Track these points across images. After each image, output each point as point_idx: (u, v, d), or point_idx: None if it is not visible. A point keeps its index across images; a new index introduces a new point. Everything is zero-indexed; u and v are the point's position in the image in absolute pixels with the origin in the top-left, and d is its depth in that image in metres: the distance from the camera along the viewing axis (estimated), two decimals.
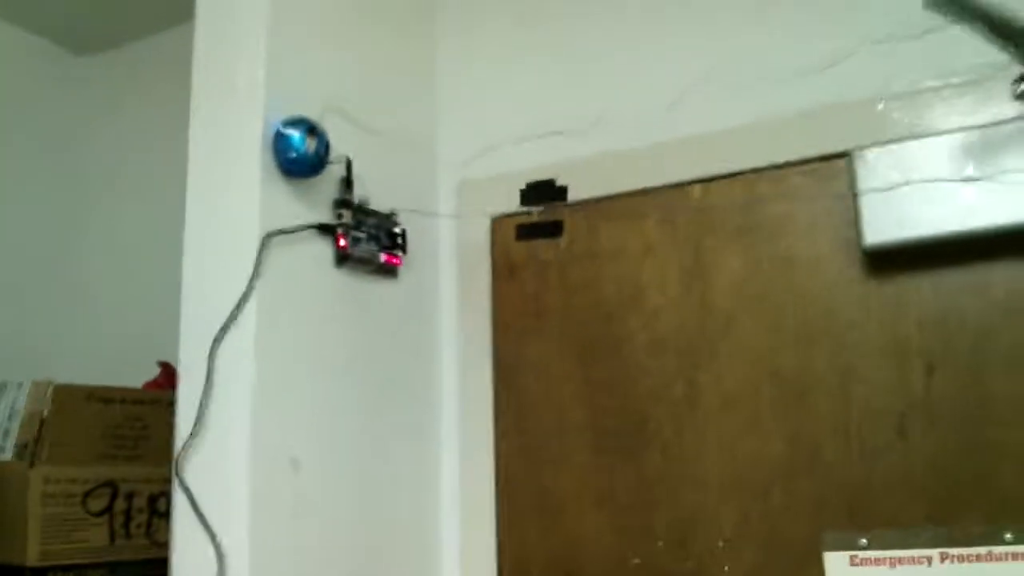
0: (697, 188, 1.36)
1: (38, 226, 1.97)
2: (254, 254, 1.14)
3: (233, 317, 1.13)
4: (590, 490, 1.35)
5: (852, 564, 1.14)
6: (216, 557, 1.07)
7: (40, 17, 2.00)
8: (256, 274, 1.13)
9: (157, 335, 1.51)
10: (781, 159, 1.30)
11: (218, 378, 1.13)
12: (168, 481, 1.44)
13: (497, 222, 1.50)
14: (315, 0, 1.33)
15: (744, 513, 1.24)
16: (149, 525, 1.53)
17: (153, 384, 1.60)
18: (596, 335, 1.40)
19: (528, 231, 1.48)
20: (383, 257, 1.37)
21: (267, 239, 1.15)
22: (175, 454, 1.13)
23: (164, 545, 1.41)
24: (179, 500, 1.12)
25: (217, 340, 1.13)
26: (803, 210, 1.29)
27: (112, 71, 2.11)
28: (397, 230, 1.40)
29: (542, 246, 1.47)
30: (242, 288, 1.13)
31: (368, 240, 1.34)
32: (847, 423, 1.20)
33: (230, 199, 1.18)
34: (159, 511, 1.55)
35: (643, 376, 1.35)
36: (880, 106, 1.24)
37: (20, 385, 1.53)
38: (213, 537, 1.08)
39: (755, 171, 1.32)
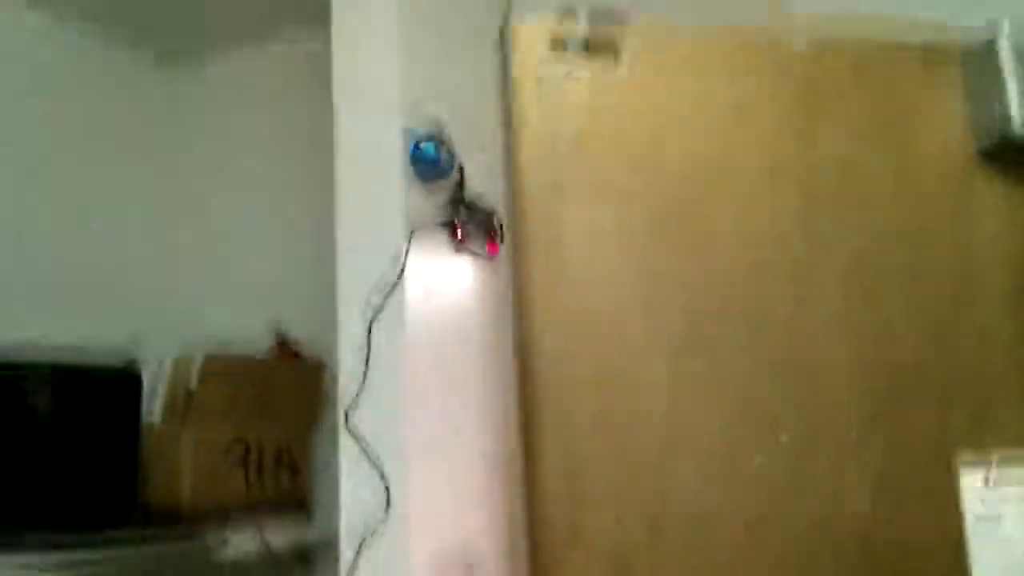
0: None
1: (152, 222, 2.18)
2: (403, 244, 1.40)
3: (391, 294, 1.39)
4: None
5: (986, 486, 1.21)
6: (384, 490, 1.34)
7: (132, 25, 2.20)
8: (406, 261, 1.39)
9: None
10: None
11: (374, 345, 1.39)
12: (296, 439, 1.72)
13: None
14: (436, 22, 1.58)
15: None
16: (276, 474, 1.80)
17: (273, 351, 1.86)
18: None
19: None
20: (486, 247, 1.63)
21: (414, 233, 1.41)
22: (343, 409, 1.39)
23: (288, 488, 1.69)
24: (347, 444, 1.38)
25: (377, 316, 1.39)
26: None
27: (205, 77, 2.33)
28: (496, 223, 1.66)
29: None
30: (393, 272, 1.39)
31: (477, 230, 1.61)
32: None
33: (379, 199, 1.44)
34: (282, 461, 1.81)
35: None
36: None
37: (160, 362, 1.79)
38: (381, 475, 1.34)
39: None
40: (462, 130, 1.61)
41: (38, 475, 1.52)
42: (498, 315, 1.65)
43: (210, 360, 1.69)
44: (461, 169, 1.57)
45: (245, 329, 1.88)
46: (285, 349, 1.82)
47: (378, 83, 1.49)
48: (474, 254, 1.60)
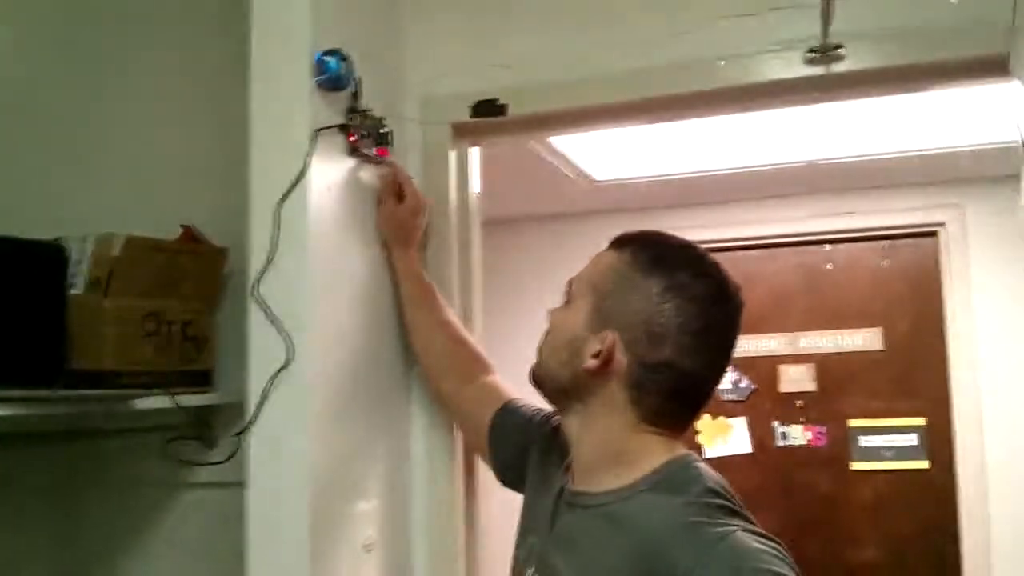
0: None
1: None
2: (307, 143, 1.66)
3: (295, 185, 1.65)
4: None
5: None
6: (285, 348, 1.62)
7: None
8: (310, 154, 1.66)
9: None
10: None
11: (284, 229, 1.65)
12: (199, 314, 1.98)
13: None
14: None
15: None
16: (183, 347, 2.04)
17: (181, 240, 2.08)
18: None
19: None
20: (375, 150, 1.90)
21: (318, 132, 1.68)
22: (252, 282, 1.66)
23: (192, 360, 1.96)
24: (255, 312, 1.65)
25: (282, 202, 1.66)
26: None
27: None
28: (384, 131, 1.93)
29: None
30: (299, 166, 1.65)
31: (366, 136, 1.87)
32: None
33: (288, 106, 1.69)
34: (188, 335, 2.05)
35: None
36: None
37: (84, 239, 1.97)
38: (285, 335, 1.62)
39: None
40: (363, 50, 1.87)
41: None
42: None
43: (131, 239, 1.90)
44: (358, 82, 1.83)
45: (160, 232, 2.08)
46: (188, 235, 2.04)
47: (291, 13, 1.73)
48: (366, 156, 1.87)
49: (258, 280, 1.66)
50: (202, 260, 2.08)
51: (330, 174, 1.76)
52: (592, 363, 1.36)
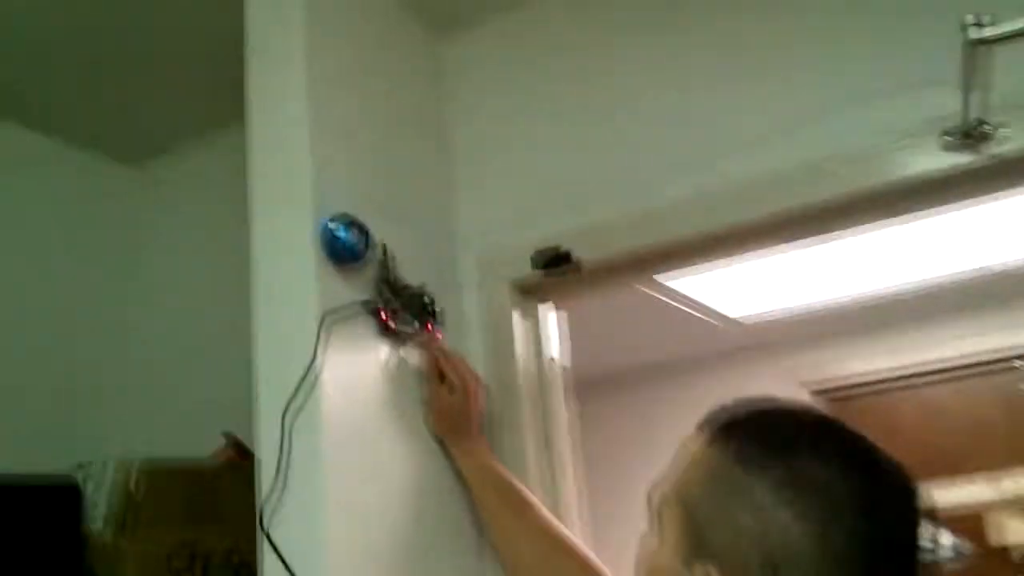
0: None
1: (95, 324, 2.16)
2: (315, 330, 1.34)
3: (300, 387, 1.32)
4: None
5: None
6: None
7: (87, 129, 2.20)
8: (318, 348, 1.33)
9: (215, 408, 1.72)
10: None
11: (293, 441, 1.32)
12: (245, 540, 1.63)
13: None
14: (347, 112, 1.55)
15: None
16: None
17: (222, 453, 1.79)
18: None
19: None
20: (417, 326, 1.57)
21: (325, 317, 1.35)
22: (259, 512, 1.32)
23: None
24: (266, 551, 1.30)
25: (289, 407, 1.33)
26: None
27: (160, 176, 2.33)
28: (427, 300, 1.60)
29: None
30: (307, 361, 1.33)
31: (405, 311, 1.55)
32: None
33: (291, 286, 1.39)
34: (232, 563, 1.73)
35: None
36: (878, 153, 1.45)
37: (104, 463, 1.73)
38: None
39: None
40: (395, 209, 1.57)
41: None
42: None
43: (148, 464, 1.62)
44: (385, 249, 1.53)
45: (192, 436, 1.82)
46: (234, 451, 1.76)
47: (291, 175, 1.45)
48: (405, 336, 1.54)
49: (263, 510, 1.32)
50: (245, 477, 1.77)
51: (355, 364, 1.42)
52: None
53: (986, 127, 1.33)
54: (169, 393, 1.95)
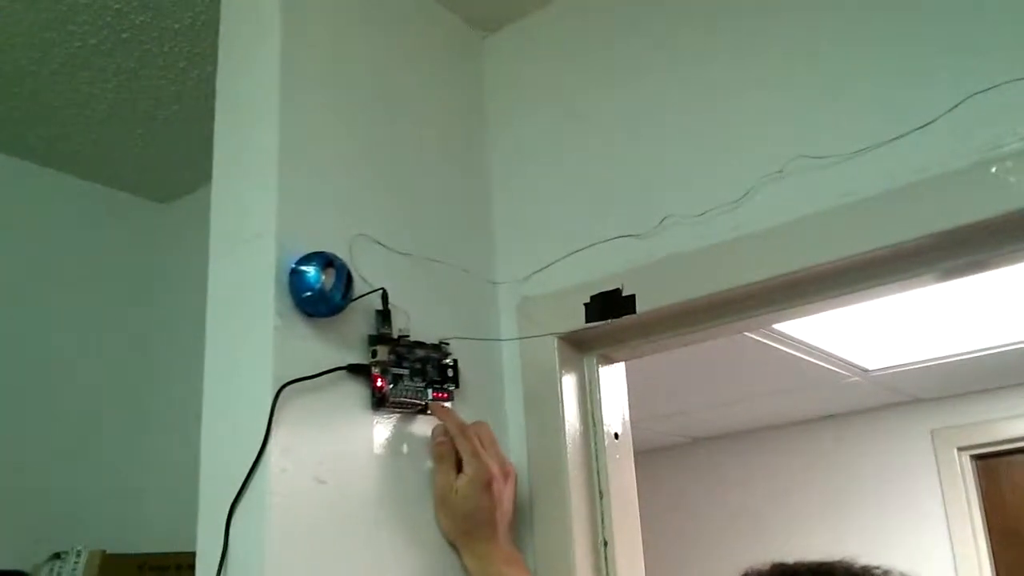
0: None
1: (116, 383, 1.93)
2: (266, 408, 1.01)
3: (247, 482, 1.00)
4: None
5: None
6: None
7: (119, 171, 2.00)
8: (270, 431, 1.01)
9: None
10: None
11: (234, 553, 0.99)
12: None
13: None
14: (328, 135, 1.23)
15: None
16: None
17: None
18: None
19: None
20: (431, 394, 1.23)
21: (282, 390, 1.03)
22: None
23: None
24: None
25: (233, 509, 1.00)
26: None
27: (192, 215, 2.10)
28: (447, 362, 1.26)
29: None
30: (253, 450, 1.00)
31: (412, 376, 1.21)
32: None
33: (245, 349, 1.07)
34: None
35: None
36: (993, 169, 1.04)
37: (79, 553, 1.47)
38: None
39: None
40: (398, 248, 1.25)
41: None
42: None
43: (118, 556, 1.35)
44: (384, 296, 1.19)
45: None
46: None
47: (253, 208, 1.14)
48: (408, 407, 1.20)
49: None
50: None
51: (330, 448, 1.08)
52: None
53: None
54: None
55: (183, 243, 2.01)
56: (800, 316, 1.29)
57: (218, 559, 0.99)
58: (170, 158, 1.95)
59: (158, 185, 2.07)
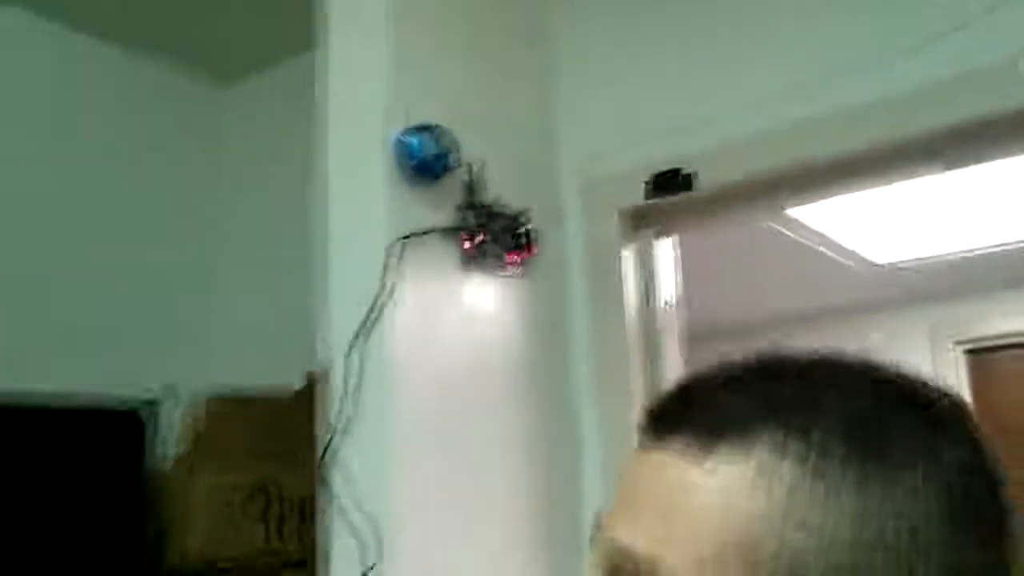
0: None
1: (183, 245, 2.06)
2: (382, 259, 1.17)
3: (367, 320, 1.16)
4: None
5: None
6: (367, 549, 1.11)
7: (181, 49, 2.10)
8: (385, 277, 1.17)
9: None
10: None
11: (362, 377, 1.16)
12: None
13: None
14: (434, 20, 1.36)
15: None
16: (299, 529, 1.60)
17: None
18: None
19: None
20: (507, 257, 1.38)
21: (394, 244, 1.18)
22: (319, 456, 1.17)
23: (314, 548, 1.45)
24: (325, 498, 1.16)
25: (355, 342, 1.17)
26: None
27: (247, 98, 2.21)
28: (522, 231, 1.41)
29: None
30: (372, 292, 1.16)
31: (494, 241, 1.36)
32: None
33: (362, 209, 1.23)
34: (307, 516, 1.61)
35: None
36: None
37: (177, 398, 1.63)
38: (366, 534, 1.11)
39: None
40: (486, 125, 1.39)
41: (27, 539, 1.39)
42: (525, 340, 1.40)
43: (216, 401, 1.51)
44: (471, 168, 1.34)
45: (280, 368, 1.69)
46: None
47: (365, 86, 1.28)
48: (495, 265, 1.36)
49: (324, 454, 1.17)
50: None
51: (429, 298, 1.25)
52: None
53: None
54: (248, 321, 1.83)
55: (251, 124, 2.13)
56: (844, 193, 1.44)
57: (340, 393, 1.16)
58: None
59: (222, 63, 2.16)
